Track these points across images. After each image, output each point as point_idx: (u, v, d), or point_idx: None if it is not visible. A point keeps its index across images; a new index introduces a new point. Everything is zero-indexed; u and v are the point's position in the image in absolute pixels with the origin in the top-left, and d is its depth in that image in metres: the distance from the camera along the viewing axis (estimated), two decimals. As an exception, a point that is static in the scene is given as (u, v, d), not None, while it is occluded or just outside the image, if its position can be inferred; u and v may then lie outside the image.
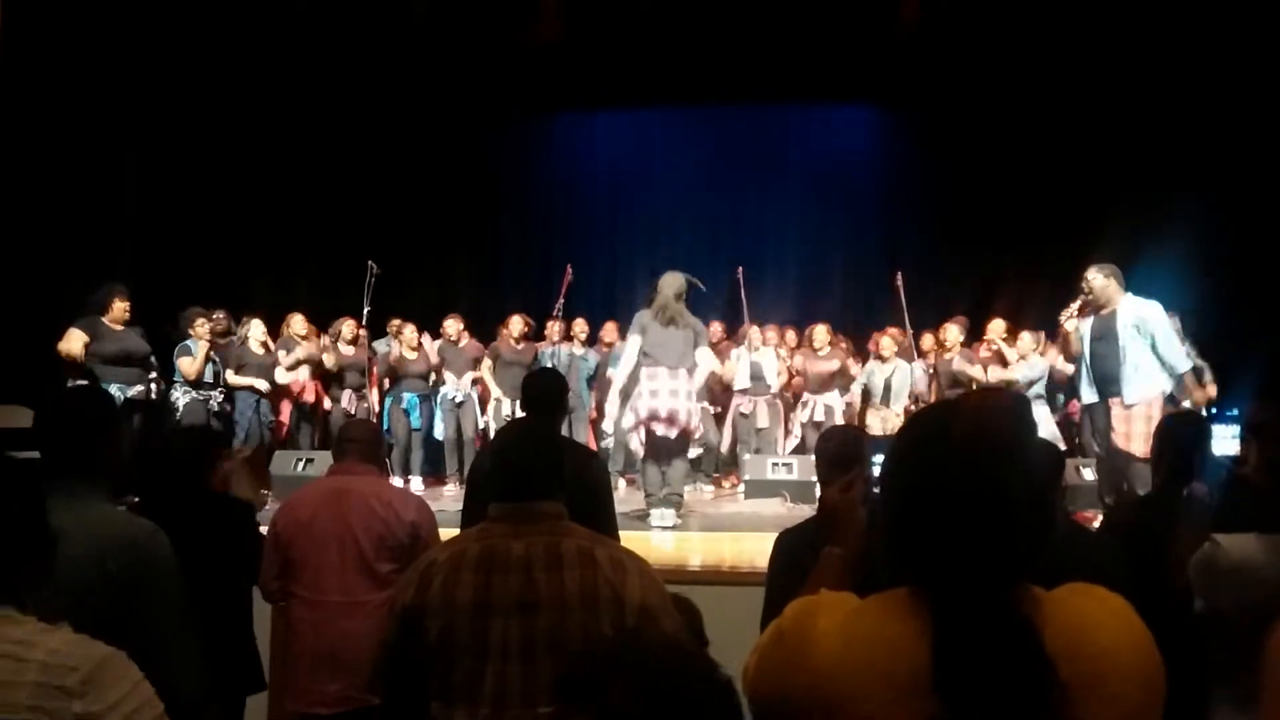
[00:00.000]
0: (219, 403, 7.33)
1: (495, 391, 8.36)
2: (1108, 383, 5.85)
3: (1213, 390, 7.10)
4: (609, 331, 9.12)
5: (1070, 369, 6.94)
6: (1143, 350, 5.73)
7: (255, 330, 7.76)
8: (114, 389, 6.37)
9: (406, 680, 2.09)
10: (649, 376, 6.18)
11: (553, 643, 1.99)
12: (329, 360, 8.03)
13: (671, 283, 6.22)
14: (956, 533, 1.10)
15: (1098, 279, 5.91)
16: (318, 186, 10.04)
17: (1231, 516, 2.43)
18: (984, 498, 1.10)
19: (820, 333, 8.46)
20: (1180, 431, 3.19)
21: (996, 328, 8.03)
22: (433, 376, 8.54)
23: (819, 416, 8.14)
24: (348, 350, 8.23)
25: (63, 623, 1.42)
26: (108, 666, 1.37)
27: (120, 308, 6.68)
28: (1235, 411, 6.90)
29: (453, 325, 8.61)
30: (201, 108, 8.95)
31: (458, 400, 8.37)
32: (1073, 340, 6.22)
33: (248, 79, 9.15)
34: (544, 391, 3.52)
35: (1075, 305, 6.21)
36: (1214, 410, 6.95)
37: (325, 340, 8.22)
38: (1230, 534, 2.20)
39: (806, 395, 8.39)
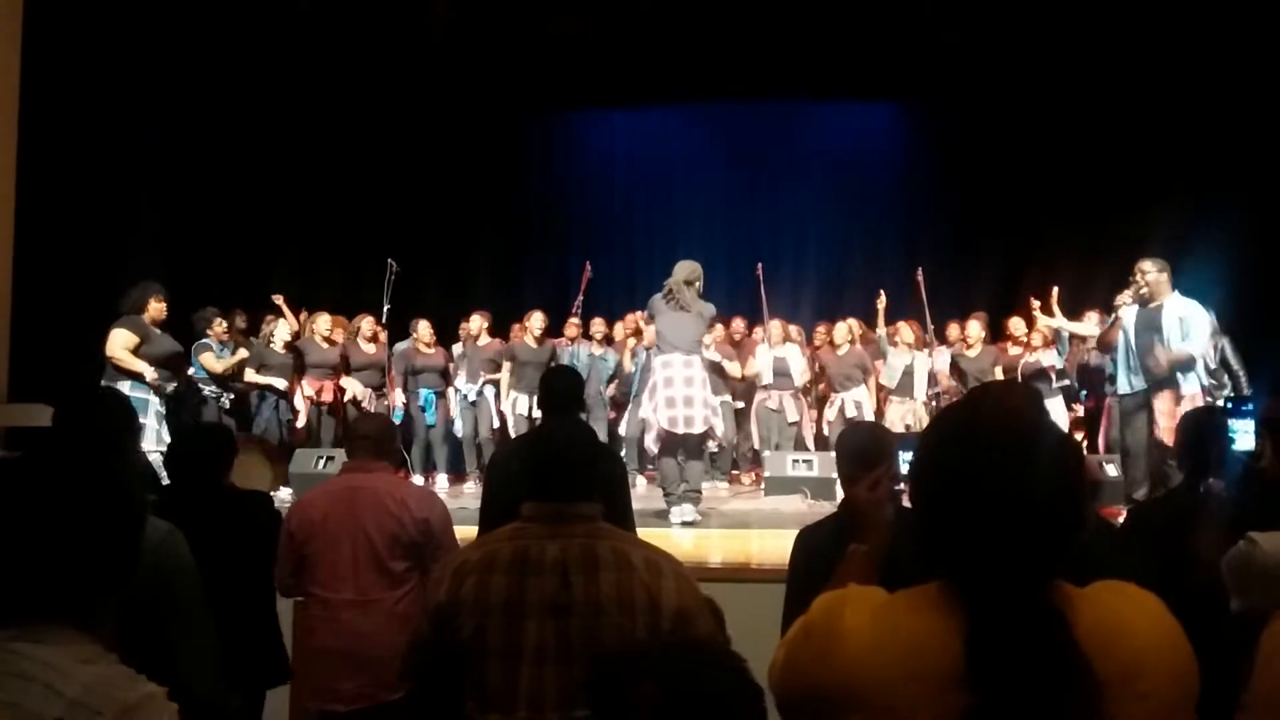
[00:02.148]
0: (230, 400, 7.39)
1: (509, 390, 8.32)
2: (1151, 374, 5.93)
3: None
4: (630, 321, 8.95)
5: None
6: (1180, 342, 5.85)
7: (281, 330, 7.80)
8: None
9: (438, 675, 2.08)
10: (663, 365, 6.22)
11: (588, 645, 1.97)
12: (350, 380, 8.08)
13: (681, 269, 6.25)
14: (989, 526, 1.09)
15: (1152, 272, 6.02)
16: (338, 185, 10.07)
17: (1249, 512, 2.40)
18: (1015, 491, 1.09)
19: (841, 329, 8.42)
20: (1198, 426, 3.18)
21: (1016, 325, 8.00)
22: (449, 373, 8.54)
23: (850, 412, 8.09)
24: (368, 348, 8.24)
25: (112, 654, 1.35)
26: (137, 714, 1.30)
27: (157, 308, 6.67)
28: (1251, 406, 6.84)
29: (477, 321, 8.58)
30: (223, 107, 9.00)
31: (471, 399, 8.36)
32: (1116, 330, 6.24)
33: (269, 78, 9.19)
34: (562, 390, 3.49)
35: (1129, 294, 6.22)
36: (1229, 404, 6.87)
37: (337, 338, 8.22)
38: (1268, 532, 2.15)
39: (833, 394, 8.35)
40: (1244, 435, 5.82)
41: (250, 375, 7.54)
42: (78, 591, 1.35)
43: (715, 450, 7.93)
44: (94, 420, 2.34)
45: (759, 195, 11.03)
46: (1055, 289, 7.69)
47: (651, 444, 6.41)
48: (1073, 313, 7.92)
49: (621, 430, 8.38)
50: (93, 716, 1.27)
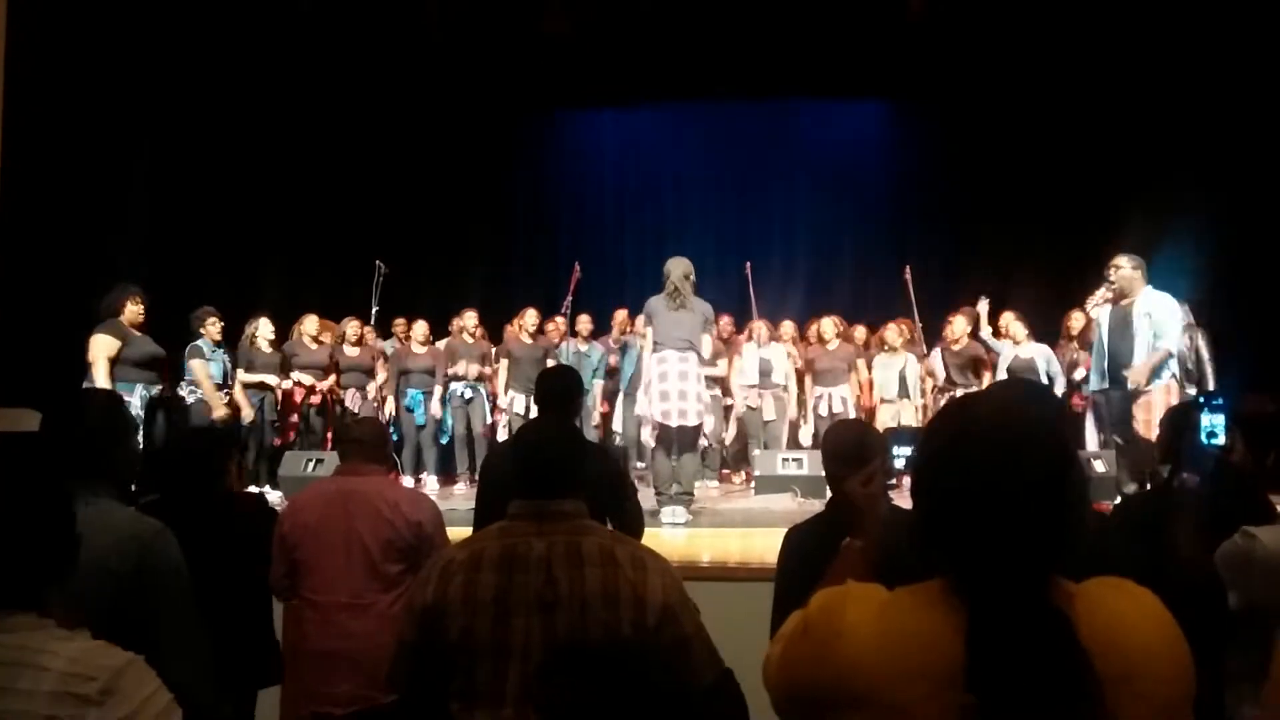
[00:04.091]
0: (225, 403, 7.35)
1: (505, 389, 8.30)
2: (1123, 371, 5.98)
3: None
4: (619, 319, 8.98)
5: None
6: (1150, 340, 5.89)
7: (264, 329, 7.76)
8: (139, 389, 6.43)
9: (425, 678, 2.08)
10: (658, 360, 6.26)
11: (574, 642, 1.97)
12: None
13: (678, 265, 6.30)
14: (989, 524, 1.09)
15: (1126, 267, 6.04)
16: (326, 186, 10.04)
17: (1222, 506, 2.41)
18: (1015, 488, 1.09)
19: (828, 325, 8.43)
20: (1172, 420, 3.20)
21: (1008, 321, 8.02)
22: (439, 374, 8.49)
23: (836, 408, 8.11)
24: (352, 351, 8.22)
25: (82, 628, 1.42)
26: (126, 675, 1.37)
27: (133, 310, 6.60)
28: (1220, 400, 6.86)
29: (471, 318, 8.54)
30: (210, 107, 8.94)
31: (467, 397, 8.33)
32: (1092, 328, 6.33)
33: (255, 79, 9.15)
34: (558, 388, 3.50)
35: (1102, 293, 6.27)
36: (1201, 400, 6.89)
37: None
38: (1265, 526, 2.16)
39: (819, 389, 8.36)
40: (1223, 431, 5.87)
41: (242, 376, 7.52)
42: (29, 580, 1.43)
43: (704, 447, 7.93)
44: (82, 423, 2.32)
45: (748, 194, 11.04)
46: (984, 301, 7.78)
47: (648, 439, 6.47)
48: (1062, 311, 7.96)
49: (616, 426, 8.39)
50: (86, 683, 1.34)
